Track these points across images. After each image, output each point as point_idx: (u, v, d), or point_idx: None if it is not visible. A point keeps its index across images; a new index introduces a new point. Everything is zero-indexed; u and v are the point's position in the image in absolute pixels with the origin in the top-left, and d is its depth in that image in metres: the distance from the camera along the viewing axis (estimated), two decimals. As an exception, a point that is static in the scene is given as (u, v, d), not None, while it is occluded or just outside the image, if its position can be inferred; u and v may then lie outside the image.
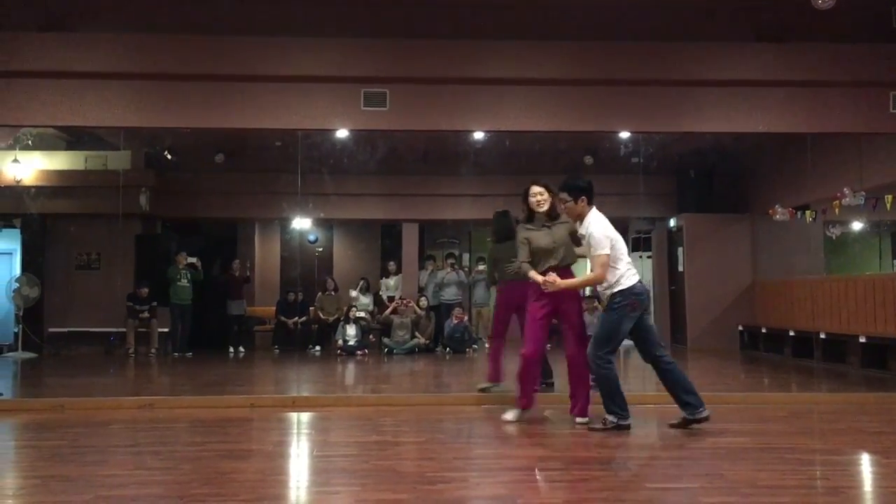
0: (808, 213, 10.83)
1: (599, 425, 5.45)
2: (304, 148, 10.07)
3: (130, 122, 7.49)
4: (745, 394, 7.32)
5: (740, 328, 12.62)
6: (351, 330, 12.06)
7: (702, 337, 12.89)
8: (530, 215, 5.88)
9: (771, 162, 12.21)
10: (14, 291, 12.13)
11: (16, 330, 12.17)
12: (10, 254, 13.35)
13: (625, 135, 10.32)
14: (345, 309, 12.47)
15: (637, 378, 9.57)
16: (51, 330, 12.72)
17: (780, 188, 11.80)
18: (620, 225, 15.34)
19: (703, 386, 8.28)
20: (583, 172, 12.88)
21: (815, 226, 11.77)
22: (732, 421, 5.88)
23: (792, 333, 10.83)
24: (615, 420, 5.44)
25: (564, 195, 5.54)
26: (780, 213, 10.84)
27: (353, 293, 13.21)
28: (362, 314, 12.62)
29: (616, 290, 5.41)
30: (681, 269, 13.51)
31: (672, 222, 13.92)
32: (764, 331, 11.78)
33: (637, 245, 14.84)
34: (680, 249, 13.53)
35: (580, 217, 5.56)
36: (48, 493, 3.77)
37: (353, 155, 11.51)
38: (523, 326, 6.15)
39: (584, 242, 5.58)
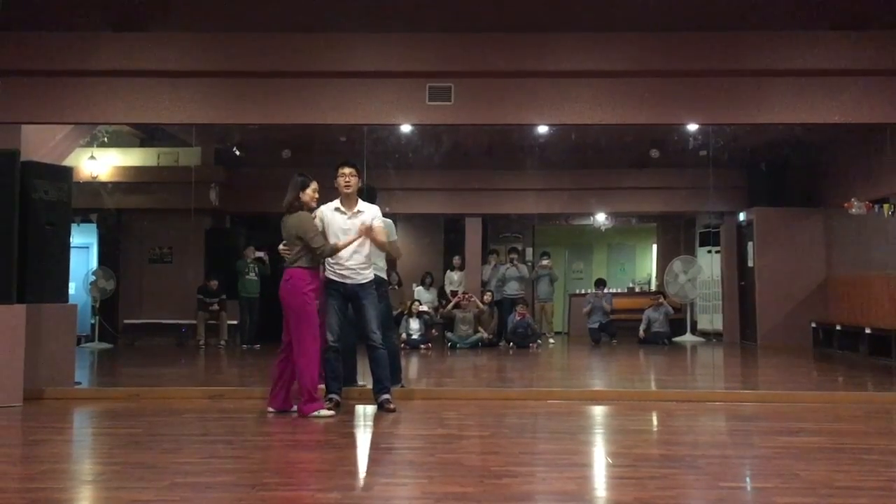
0: (885, 206, 10.45)
1: (393, 406, 5.90)
2: (370, 143, 10.14)
3: (202, 118, 7.66)
4: (818, 392, 7.10)
5: (813, 325, 12.26)
6: (414, 324, 12.13)
7: (772, 333, 12.57)
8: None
9: (847, 154, 11.81)
10: (91, 284, 12.55)
11: (92, 321, 12.60)
12: (88, 247, 13.79)
13: (693, 127, 10.12)
14: (408, 303, 12.55)
15: (706, 375, 9.41)
16: (125, 321, 13.16)
17: (857, 181, 11.40)
18: (688, 219, 15.27)
19: (775, 383, 8.13)
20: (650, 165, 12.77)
21: (893, 219, 11.35)
22: (806, 420, 5.73)
23: (868, 331, 10.48)
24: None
25: (350, 168, 5.88)
26: (857, 207, 10.48)
27: (416, 287, 13.32)
28: (425, 308, 12.68)
29: (373, 276, 6.05)
30: (750, 264, 13.19)
31: (742, 216, 13.59)
32: (838, 328, 11.42)
33: (705, 240, 14.55)
34: (750, 244, 13.21)
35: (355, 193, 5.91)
36: (126, 479, 3.89)
37: (418, 149, 11.55)
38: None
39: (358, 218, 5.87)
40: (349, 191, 5.89)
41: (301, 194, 5.78)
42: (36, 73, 7.15)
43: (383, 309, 6.28)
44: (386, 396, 5.95)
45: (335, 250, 5.77)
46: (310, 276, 5.73)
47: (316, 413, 5.63)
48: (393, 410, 5.84)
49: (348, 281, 5.91)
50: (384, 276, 6.58)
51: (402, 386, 6.81)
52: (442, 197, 13.87)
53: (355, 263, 5.90)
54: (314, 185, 5.84)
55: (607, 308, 13.38)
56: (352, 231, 5.85)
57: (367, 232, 5.80)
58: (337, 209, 5.94)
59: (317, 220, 5.96)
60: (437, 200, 13.90)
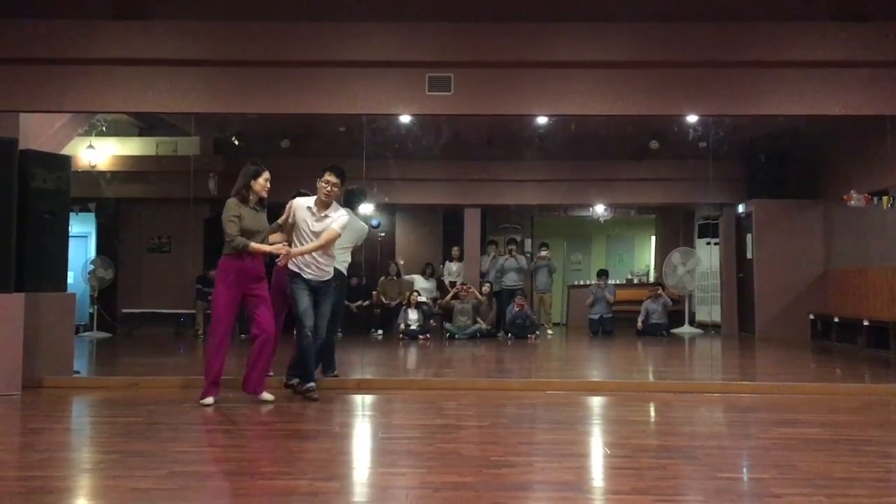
0: (884, 198, 10.44)
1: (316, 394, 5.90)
2: (369, 133, 10.09)
3: (201, 107, 7.61)
4: (816, 384, 7.12)
5: (811, 317, 12.27)
6: (413, 314, 12.14)
7: (771, 325, 12.58)
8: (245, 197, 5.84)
9: (847, 146, 11.80)
10: (89, 273, 12.54)
11: (91, 310, 12.59)
12: (86, 237, 13.78)
13: (693, 118, 10.09)
14: (407, 294, 12.55)
15: (705, 367, 9.43)
16: (124, 311, 13.15)
17: (856, 173, 11.40)
18: (687, 211, 15.27)
19: (773, 375, 8.14)
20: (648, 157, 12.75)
21: (892, 212, 11.35)
22: (803, 412, 5.74)
23: (866, 323, 10.50)
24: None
25: (336, 179, 5.86)
26: (856, 199, 10.47)
27: (402, 268, 13.35)
28: (424, 299, 12.69)
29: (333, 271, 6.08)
30: (749, 256, 13.19)
31: (741, 208, 13.59)
32: (836, 320, 11.43)
33: (704, 231, 14.54)
34: (749, 236, 13.21)
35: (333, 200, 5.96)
36: (125, 467, 3.90)
37: (418, 140, 11.52)
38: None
39: (325, 222, 5.89)
40: (327, 200, 5.92)
41: (252, 183, 5.78)
42: (34, 61, 7.11)
43: (335, 301, 6.35)
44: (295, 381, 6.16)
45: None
46: (226, 265, 5.70)
47: (202, 401, 5.67)
48: (316, 400, 5.89)
49: (312, 277, 5.95)
50: (343, 270, 6.68)
51: (337, 376, 6.97)
52: (441, 188, 13.84)
53: (315, 263, 5.96)
54: (266, 174, 5.84)
55: (610, 299, 13.42)
56: (317, 231, 5.89)
57: (284, 258, 5.77)
58: (309, 208, 5.95)
59: (288, 212, 6.06)
60: (437, 191, 13.87)
